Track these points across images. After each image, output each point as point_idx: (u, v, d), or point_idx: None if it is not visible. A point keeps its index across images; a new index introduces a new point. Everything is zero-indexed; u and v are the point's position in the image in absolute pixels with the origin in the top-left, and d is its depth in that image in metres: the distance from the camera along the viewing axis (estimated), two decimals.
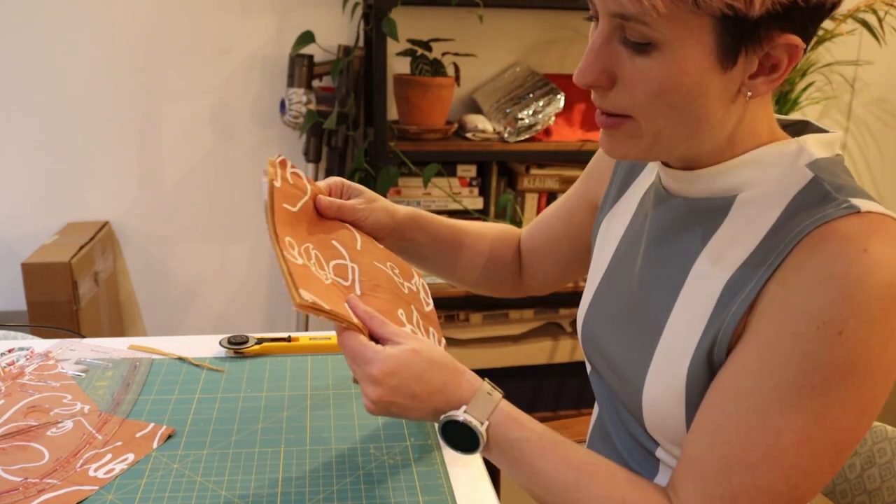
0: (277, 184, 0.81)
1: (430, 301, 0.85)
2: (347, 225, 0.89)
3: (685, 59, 0.64)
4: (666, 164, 0.78)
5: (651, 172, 0.87)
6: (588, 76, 0.68)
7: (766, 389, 0.63)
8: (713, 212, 0.74)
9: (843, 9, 2.44)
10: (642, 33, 0.64)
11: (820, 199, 0.66)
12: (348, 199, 0.95)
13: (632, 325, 0.79)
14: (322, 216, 0.88)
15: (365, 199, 0.94)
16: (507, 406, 0.75)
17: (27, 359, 1.07)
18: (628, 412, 0.81)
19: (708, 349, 0.69)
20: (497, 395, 0.75)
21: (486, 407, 0.74)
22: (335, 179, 0.96)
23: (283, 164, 0.85)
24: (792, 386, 0.62)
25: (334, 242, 0.82)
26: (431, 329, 0.81)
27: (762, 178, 0.71)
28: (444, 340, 0.82)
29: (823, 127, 0.76)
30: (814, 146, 0.71)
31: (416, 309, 0.82)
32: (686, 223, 0.76)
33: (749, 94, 0.68)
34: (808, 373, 0.61)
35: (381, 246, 0.90)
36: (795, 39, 0.65)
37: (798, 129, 0.78)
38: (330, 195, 0.94)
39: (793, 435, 0.62)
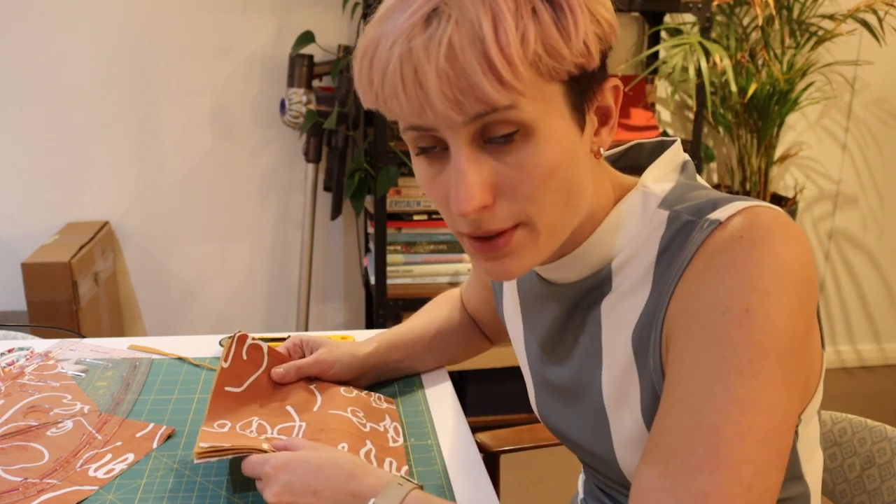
0: (225, 365, 0.89)
1: (400, 438, 0.89)
2: (311, 387, 0.95)
3: (555, 132, 0.61)
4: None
5: None
6: (476, 198, 0.60)
7: (694, 389, 0.59)
8: (598, 287, 0.73)
9: (843, 9, 2.45)
10: (511, 120, 0.59)
11: (686, 232, 0.65)
12: (310, 352, 0.98)
13: (576, 411, 0.78)
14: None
15: (327, 351, 0.97)
16: (420, 493, 0.70)
17: (27, 359, 1.07)
18: (612, 480, 0.79)
19: (652, 401, 0.68)
20: (409, 485, 0.70)
21: (396, 495, 0.69)
22: (294, 339, 1.00)
23: (241, 339, 0.92)
24: (718, 376, 0.59)
25: (288, 408, 0.89)
26: (389, 459, 0.84)
27: (624, 239, 0.71)
28: (405, 467, 0.84)
29: (664, 139, 0.75)
30: (654, 181, 0.71)
31: (375, 443, 0.86)
32: (579, 307, 0.75)
33: (602, 150, 0.67)
34: (729, 358, 0.59)
35: (353, 395, 0.95)
36: (615, 80, 0.66)
37: (633, 156, 0.78)
38: (290, 355, 0.98)
39: (733, 427, 0.57)
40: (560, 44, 0.58)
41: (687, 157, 0.75)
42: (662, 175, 0.72)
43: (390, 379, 1.04)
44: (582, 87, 0.63)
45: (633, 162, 0.78)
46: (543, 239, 0.65)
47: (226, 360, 0.90)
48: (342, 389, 0.95)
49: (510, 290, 0.87)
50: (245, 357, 0.92)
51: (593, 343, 0.74)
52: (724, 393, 0.58)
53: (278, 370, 0.94)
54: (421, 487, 0.71)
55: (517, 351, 0.88)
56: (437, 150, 0.63)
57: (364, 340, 1.02)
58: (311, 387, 0.94)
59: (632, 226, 0.70)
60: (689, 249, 0.63)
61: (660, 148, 0.76)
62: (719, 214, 0.63)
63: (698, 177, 0.75)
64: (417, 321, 1.06)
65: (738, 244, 0.61)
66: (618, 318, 0.71)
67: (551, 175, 0.62)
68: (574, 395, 0.78)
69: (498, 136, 0.60)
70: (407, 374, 1.05)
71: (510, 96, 0.58)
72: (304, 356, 0.99)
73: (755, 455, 0.57)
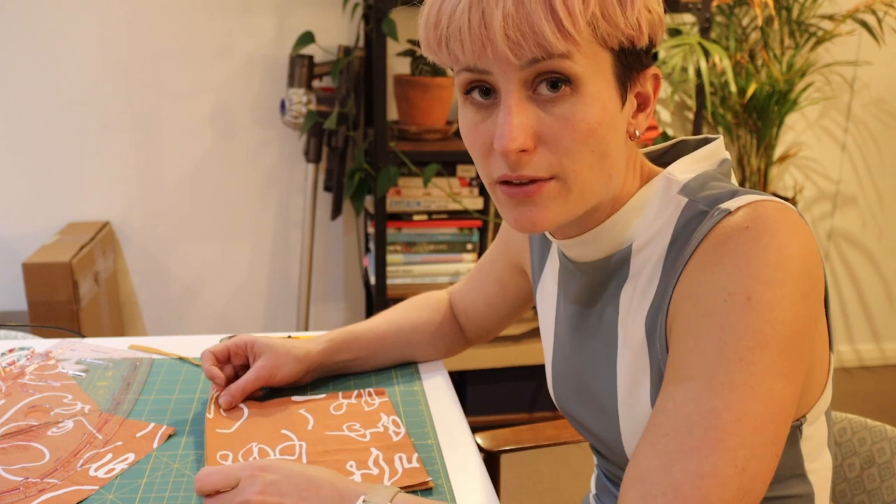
0: (210, 416, 0.92)
1: (401, 429, 0.91)
2: (301, 411, 0.95)
3: (601, 94, 0.65)
4: (560, 237, 0.78)
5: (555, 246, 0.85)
6: (518, 138, 0.64)
7: (696, 374, 0.62)
8: (617, 267, 0.75)
9: (842, 9, 2.45)
10: (563, 70, 0.63)
11: (698, 221, 0.67)
12: (254, 358, 0.97)
13: (589, 397, 0.79)
14: (265, 409, 0.95)
15: (268, 357, 0.96)
16: (406, 495, 0.69)
17: (28, 359, 1.07)
18: (620, 468, 0.81)
19: (659, 387, 0.69)
20: (395, 487, 0.71)
21: (385, 493, 0.68)
22: (237, 340, 0.98)
23: (216, 400, 0.95)
24: (719, 362, 0.61)
25: (284, 431, 0.90)
26: (398, 454, 0.85)
27: (644, 221, 0.73)
28: (416, 454, 0.85)
29: (708, 136, 0.77)
30: (681, 171, 0.73)
31: (380, 447, 0.87)
32: (600, 287, 0.77)
33: (637, 133, 0.70)
34: (730, 345, 0.61)
35: (343, 410, 0.95)
36: (655, 70, 0.70)
37: (677, 151, 0.80)
38: (229, 358, 0.98)
39: (731, 413, 0.59)
40: (617, 11, 0.63)
41: (726, 154, 0.76)
42: (690, 166, 0.74)
43: (341, 374, 1.04)
44: (628, 63, 0.66)
45: (678, 157, 0.79)
46: (574, 196, 0.67)
47: (210, 412, 0.91)
48: (331, 408, 0.95)
49: (551, 270, 0.87)
50: (224, 414, 0.93)
51: (612, 328, 0.75)
52: (724, 378, 0.60)
53: (225, 398, 0.94)
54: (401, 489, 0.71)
55: (544, 331, 0.89)
56: (488, 99, 0.67)
57: (312, 338, 1.02)
58: (301, 411, 0.94)
59: (651, 210, 0.73)
60: (697, 237, 0.66)
61: (703, 144, 0.78)
62: (729, 204, 0.65)
63: (733, 175, 0.77)
64: (378, 321, 1.06)
65: (743, 234, 0.63)
66: (633, 304, 0.73)
67: (592, 133, 0.65)
68: (589, 378, 0.79)
69: (548, 86, 0.64)
70: (360, 372, 1.05)
71: (567, 45, 0.62)
72: (246, 359, 0.98)
73: (751, 440, 0.60)
